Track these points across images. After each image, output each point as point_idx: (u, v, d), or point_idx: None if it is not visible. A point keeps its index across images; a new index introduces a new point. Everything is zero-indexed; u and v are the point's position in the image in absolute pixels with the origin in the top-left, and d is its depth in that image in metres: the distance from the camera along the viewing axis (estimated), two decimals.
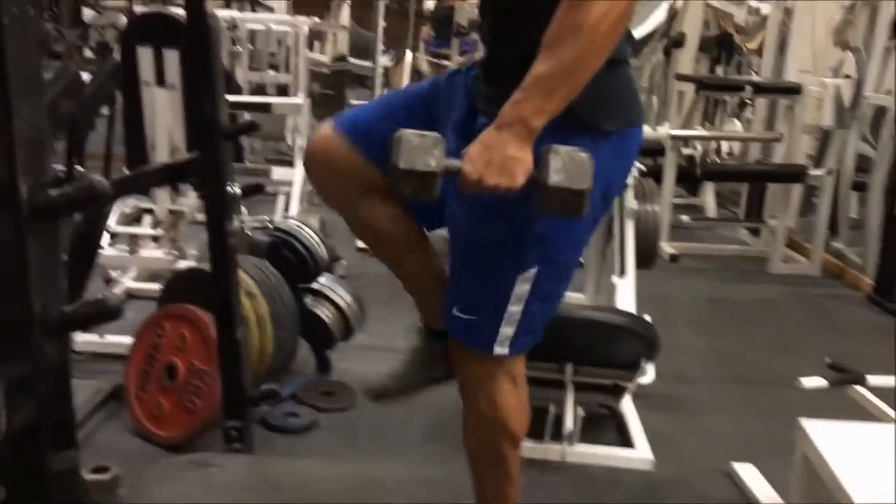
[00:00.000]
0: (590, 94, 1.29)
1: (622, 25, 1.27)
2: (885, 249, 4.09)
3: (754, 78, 5.44)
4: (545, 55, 1.26)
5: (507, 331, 1.46)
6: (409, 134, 1.27)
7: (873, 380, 2.12)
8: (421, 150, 1.27)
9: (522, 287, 1.43)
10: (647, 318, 2.52)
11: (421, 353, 1.71)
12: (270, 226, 2.96)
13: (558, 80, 1.25)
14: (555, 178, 1.25)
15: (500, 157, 1.26)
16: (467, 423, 1.61)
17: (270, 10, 9.29)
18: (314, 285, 2.84)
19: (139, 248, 3.14)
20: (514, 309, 1.45)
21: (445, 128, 1.47)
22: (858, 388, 2.15)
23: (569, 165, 1.25)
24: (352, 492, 2.12)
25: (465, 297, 1.49)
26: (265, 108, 4.02)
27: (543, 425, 2.33)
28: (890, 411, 2.12)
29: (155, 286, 3.23)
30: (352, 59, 7.47)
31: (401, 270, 1.66)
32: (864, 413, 2.15)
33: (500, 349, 1.48)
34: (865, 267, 4.38)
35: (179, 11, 3.14)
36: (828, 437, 1.87)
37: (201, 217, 3.42)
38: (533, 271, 1.42)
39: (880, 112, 4.55)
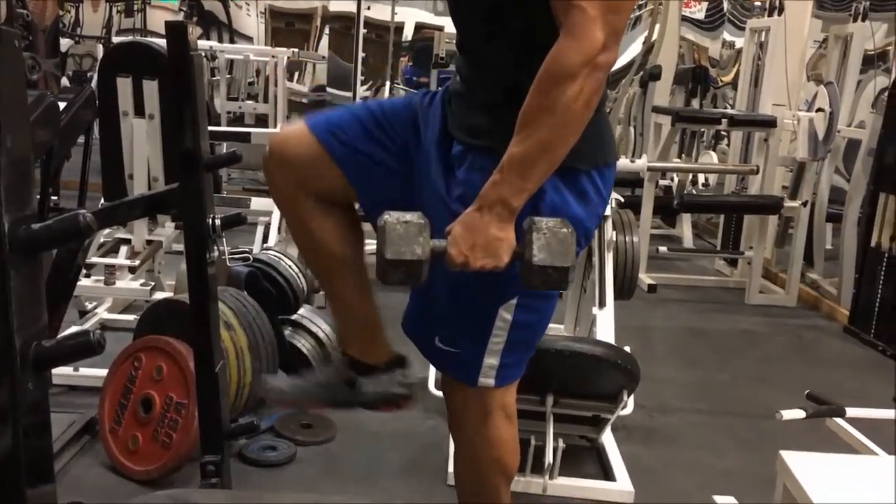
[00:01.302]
0: None
1: (597, 100, 1.27)
2: (860, 281, 4.14)
3: (730, 111, 5.52)
4: (521, 135, 1.26)
5: (490, 361, 1.46)
6: (392, 222, 1.27)
7: (852, 412, 2.13)
8: (407, 238, 1.26)
9: (504, 318, 1.43)
10: (627, 349, 2.52)
11: (333, 374, 1.66)
12: (250, 256, 2.94)
13: (535, 160, 1.26)
14: (538, 256, 1.27)
15: (483, 238, 1.28)
16: (459, 458, 1.59)
17: (249, 40, 9.32)
18: (293, 316, 2.83)
19: (115, 279, 3.11)
20: (497, 339, 1.45)
21: (419, 147, 1.49)
22: (837, 419, 2.16)
23: (551, 242, 1.27)
24: None
25: (447, 330, 1.49)
26: (244, 137, 4.00)
27: (524, 458, 2.32)
28: (869, 443, 2.13)
29: (131, 317, 3.19)
30: (330, 90, 7.50)
31: (335, 290, 1.62)
32: (843, 444, 2.16)
33: (485, 380, 1.47)
34: (840, 298, 4.43)
35: (158, 42, 3.14)
36: (808, 469, 1.87)
37: (178, 247, 3.41)
38: (513, 302, 1.42)
39: (853, 144, 4.63)
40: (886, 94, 4.15)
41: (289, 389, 1.66)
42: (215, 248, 1.86)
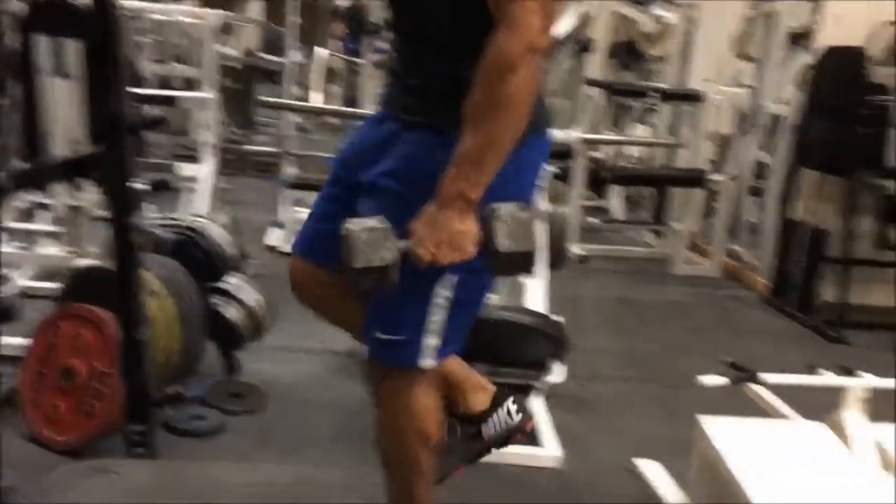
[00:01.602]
0: None
1: (537, 83, 1.31)
2: (780, 253, 4.27)
3: (660, 85, 5.60)
4: (471, 130, 1.29)
5: (431, 342, 1.46)
6: (355, 231, 1.26)
7: (768, 377, 2.22)
8: (373, 245, 1.26)
9: (444, 295, 1.43)
10: (559, 318, 2.56)
11: (456, 437, 1.71)
12: (177, 223, 2.87)
13: (487, 153, 1.30)
14: (503, 244, 1.29)
15: (447, 233, 1.31)
16: (381, 428, 1.60)
17: (178, 1, 9.04)
18: (223, 285, 2.78)
19: (36, 245, 3.01)
20: (437, 318, 1.45)
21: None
22: (754, 385, 2.24)
23: (514, 229, 1.29)
24: (261, 495, 2.09)
25: (387, 317, 1.47)
26: (170, 101, 3.91)
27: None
28: (784, 407, 2.22)
29: (53, 285, 3.10)
30: (262, 55, 7.35)
31: None
32: (762, 410, 2.24)
33: (426, 361, 1.47)
34: (762, 269, 4.57)
35: None
36: (723, 432, 1.95)
37: (102, 213, 3.31)
38: (455, 279, 1.43)
39: (777, 120, 4.75)
40: (811, 71, 4.27)
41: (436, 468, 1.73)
42: (140, 213, 1.82)
